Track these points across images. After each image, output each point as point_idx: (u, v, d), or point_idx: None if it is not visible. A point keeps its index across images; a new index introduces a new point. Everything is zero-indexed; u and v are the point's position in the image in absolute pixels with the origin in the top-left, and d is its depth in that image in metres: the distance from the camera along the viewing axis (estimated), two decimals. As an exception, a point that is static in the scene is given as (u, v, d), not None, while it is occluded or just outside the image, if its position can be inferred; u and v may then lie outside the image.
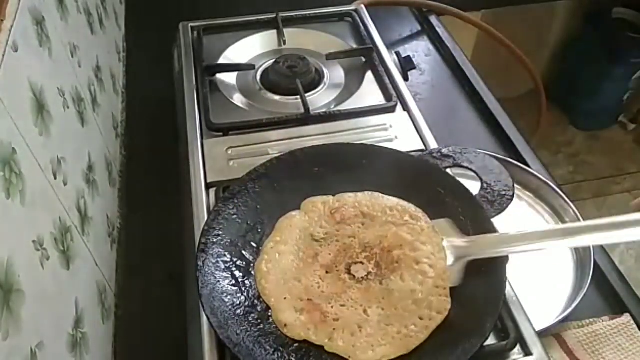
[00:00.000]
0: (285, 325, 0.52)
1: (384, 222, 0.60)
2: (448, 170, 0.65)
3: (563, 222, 0.81)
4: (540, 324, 0.65)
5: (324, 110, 0.79)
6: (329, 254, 0.58)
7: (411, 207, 0.61)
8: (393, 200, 0.62)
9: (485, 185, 0.63)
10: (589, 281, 0.70)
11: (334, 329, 0.52)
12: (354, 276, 0.56)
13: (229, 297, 0.54)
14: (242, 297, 0.55)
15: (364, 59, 0.89)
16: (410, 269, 0.55)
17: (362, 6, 1.00)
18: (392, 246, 0.58)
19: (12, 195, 0.45)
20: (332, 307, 0.53)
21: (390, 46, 0.93)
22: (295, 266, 0.57)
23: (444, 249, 0.57)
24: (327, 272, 0.57)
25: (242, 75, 0.86)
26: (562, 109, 2.31)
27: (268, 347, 0.51)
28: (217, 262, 0.56)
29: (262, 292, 0.55)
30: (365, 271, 0.56)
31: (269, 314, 0.54)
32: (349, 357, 0.50)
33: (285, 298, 0.54)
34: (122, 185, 0.86)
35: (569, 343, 0.69)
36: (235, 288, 0.55)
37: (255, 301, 0.55)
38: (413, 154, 0.69)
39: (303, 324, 0.52)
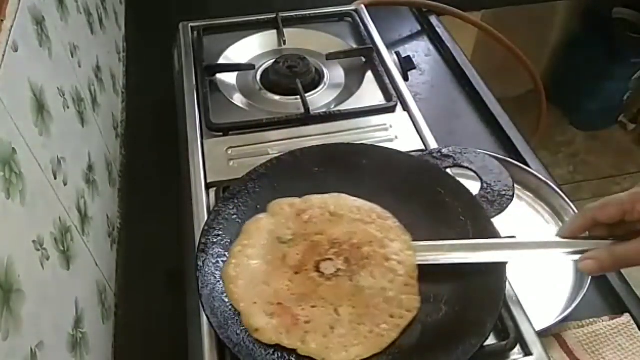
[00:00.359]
0: (257, 330, 0.51)
1: (352, 220, 0.60)
2: (448, 170, 0.65)
3: (563, 222, 0.81)
4: (540, 324, 0.65)
5: (324, 110, 0.79)
6: (297, 254, 0.57)
7: (378, 208, 0.61)
8: (360, 201, 0.62)
9: (485, 185, 0.63)
10: (589, 281, 0.70)
11: (306, 332, 0.51)
12: (323, 274, 0.55)
13: (229, 297, 0.54)
14: (242, 297, 0.55)
15: (364, 59, 0.89)
16: (380, 266, 0.55)
17: (362, 6, 1.00)
18: (361, 242, 0.57)
19: (12, 195, 0.45)
20: (302, 309, 0.53)
21: (390, 46, 0.93)
22: (264, 270, 0.56)
23: (413, 247, 0.57)
24: (295, 273, 0.56)
25: (242, 75, 0.86)
26: (562, 109, 2.31)
27: (268, 347, 0.51)
28: (217, 262, 0.56)
29: (231, 297, 0.54)
30: (335, 267, 0.56)
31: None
32: (323, 359, 0.50)
33: (255, 302, 0.53)
34: (122, 185, 0.86)
35: (569, 343, 0.69)
36: (235, 288, 0.55)
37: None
38: (413, 154, 0.69)
39: (274, 328, 0.51)
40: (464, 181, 0.63)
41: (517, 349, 0.53)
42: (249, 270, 0.56)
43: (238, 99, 0.82)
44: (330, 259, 0.56)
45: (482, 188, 0.63)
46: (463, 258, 0.55)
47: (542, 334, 0.59)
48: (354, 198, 0.62)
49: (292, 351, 0.51)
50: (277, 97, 0.82)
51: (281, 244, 0.58)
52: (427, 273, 0.55)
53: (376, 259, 0.56)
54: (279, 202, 0.62)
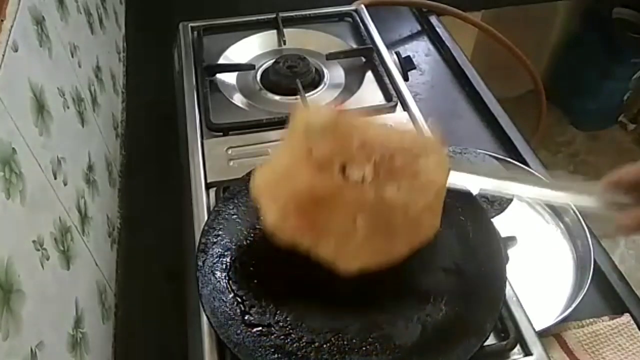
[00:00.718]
0: (273, 230, 0.51)
1: (388, 129, 0.57)
2: (448, 170, 0.65)
3: (563, 222, 0.81)
4: (540, 324, 0.65)
5: (324, 110, 0.79)
6: (324, 149, 0.51)
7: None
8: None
9: (485, 185, 0.63)
10: (589, 281, 0.70)
11: (320, 235, 0.51)
12: (349, 178, 0.50)
13: (229, 296, 0.54)
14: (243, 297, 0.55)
15: (364, 59, 0.89)
16: (409, 182, 0.51)
17: (362, 6, 1.00)
18: (395, 150, 0.52)
19: (12, 195, 0.45)
20: (321, 211, 0.50)
21: (390, 46, 0.93)
22: (287, 163, 0.53)
23: (447, 163, 0.53)
24: (319, 170, 0.50)
25: (242, 75, 0.86)
26: (562, 109, 2.31)
27: (268, 347, 0.51)
28: (217, 262, 0.56)
29: (253, 191, 0.53)
30: (361, 173, 0.50)
31: (269, 313, 0.54)
32: (331, 262, 0.50)
33: (275, 201, 0.51)
34: (122, 185, 0.86)
35: (569, 343, 0.69)
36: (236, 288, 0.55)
37: (256, 301, 0.55)
38: (413, 154, 0.69)
39: (291, 230, 0.51)
40: (464, 181, 0.63)
41: (517, 349, 0.53)
42: (274, 165, 0.54)
43: (238, 99, 0.82)
44: (358, 163, 0.51)
45: (482, 188, 0.63)
46: (496, 189, 0.53)
47: (542, 334, 0.59)
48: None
49: (292, 352, 0.51)
50: (277, 97, 0.82)
51: (308, 134, 0.52)
52: (428, 273, 0.55)
53: (406, 174, 0.51)
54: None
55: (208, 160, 0.71)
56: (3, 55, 0.48)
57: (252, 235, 0.60)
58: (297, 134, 0.53)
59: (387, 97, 0.81)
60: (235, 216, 0.61)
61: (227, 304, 0.53)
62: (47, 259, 0.50)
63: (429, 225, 0.52)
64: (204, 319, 0.53)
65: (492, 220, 0.59)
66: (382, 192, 0.50)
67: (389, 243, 0.51)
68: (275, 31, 0.94)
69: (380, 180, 0.50)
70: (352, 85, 0.85)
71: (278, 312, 0.54)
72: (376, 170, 0.50)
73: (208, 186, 0.68)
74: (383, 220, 0.50)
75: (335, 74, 0.87)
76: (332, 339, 0.52)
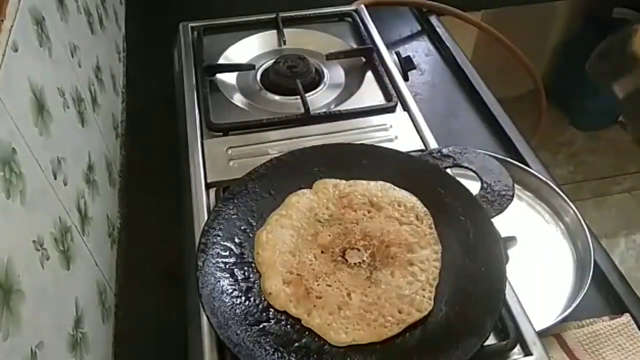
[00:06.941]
0: (270, 293, 0.54)
1: (389, 216, 0.61)
2: (448, 170, 0.65)
3: (563, 222, 0.81)
4: (540, 324, 0.65)
5: (324, 110, 0.79)
6: (329, 235, 0.59)
7: (419, 207, 0.61)
8: (403, 193, 0.63)
9: (485, 185, 0.63)
10: (589, 281, 0.70)
11: (314, 306, 0.53)
12: (347, 261, 0.57)
13: (229, 297, 0.54)
14: (242, 297, 0.55)
15: (364, 59, 0.89)
16: (403, 269, 0.56)
17: (362, 6, 1.00)
18: (391, 242, 0.58)
19: (12, 195, 0.45)
20: (317, 284, 0.55)
21: (390, 46, 0.93)
22: (294, 241, 0.59)
23: (440, 257, 0.57)
24: (322, 252, 0.58)
25: (242, 75, 0.86)
26: (562, 109, 2.31)
27: (268, 347, 0.51)
28: (217, 262, 0.56)
29: (256, 259, 0.57)
30: (359, 259, 0.57)
31: (269, 313, 0.54)
32: (322, 334, 0.51)
33: (275, 269, 0.56)
34: (122, 185, 0.86)
35: (569, 343, 0.69)
36: (235, 288, 0.55)
37: (256, 300, 0.55)
38: (413, 154, 0.69)
39: (286, 296, 0.54)
40: (464, 181, 0.63)
41: (517, 349, 0.53)
42: (279, 239, 0.59)
43: (238, 99, 0.82)
44: (357, 249, 0.58)
45: (482, 188, 0.63)
46: None
47: (542, 334, 0.59)
48: (398, 189, 0.63)
49: (292, 352, 0.51)
50: (277, 97, 0.82)
51: (316, 222, 0.60)
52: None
53: (400, 261, 0.56)
54: (324, 181, 0.64)
55: (208, 160, 0.71)
56: (3, 55, 0.48)
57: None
58: (304, 218, 0.61)
59: (387, 97, 0.81)
60: (235, 216, 0.61)
61: (227, 304, 0.53)
62: (47, 259, 0.50)
63: (421, 305, 0.53)
64: (204, 319, 0.53)
65: (492, 220, 0.59)
66: (377, 276, 0.56)
67: (382, 318, 0.52)
68: (275, 31, 0.94)
69: (376, 265, 0.57)
70: (352, 85, 0.85)
71: (278, 312, 0.54)
72: (373, 257, 0.57)
73: (208, 186, 0.68)
74: (376, 297, 0.54)
75: (335, 74, 0.87)
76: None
